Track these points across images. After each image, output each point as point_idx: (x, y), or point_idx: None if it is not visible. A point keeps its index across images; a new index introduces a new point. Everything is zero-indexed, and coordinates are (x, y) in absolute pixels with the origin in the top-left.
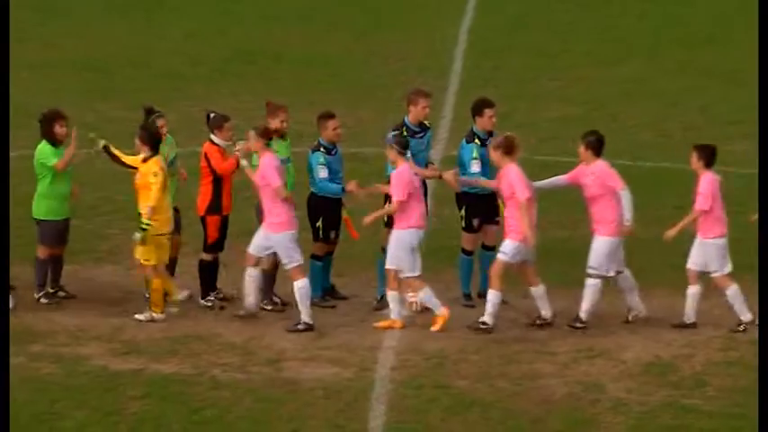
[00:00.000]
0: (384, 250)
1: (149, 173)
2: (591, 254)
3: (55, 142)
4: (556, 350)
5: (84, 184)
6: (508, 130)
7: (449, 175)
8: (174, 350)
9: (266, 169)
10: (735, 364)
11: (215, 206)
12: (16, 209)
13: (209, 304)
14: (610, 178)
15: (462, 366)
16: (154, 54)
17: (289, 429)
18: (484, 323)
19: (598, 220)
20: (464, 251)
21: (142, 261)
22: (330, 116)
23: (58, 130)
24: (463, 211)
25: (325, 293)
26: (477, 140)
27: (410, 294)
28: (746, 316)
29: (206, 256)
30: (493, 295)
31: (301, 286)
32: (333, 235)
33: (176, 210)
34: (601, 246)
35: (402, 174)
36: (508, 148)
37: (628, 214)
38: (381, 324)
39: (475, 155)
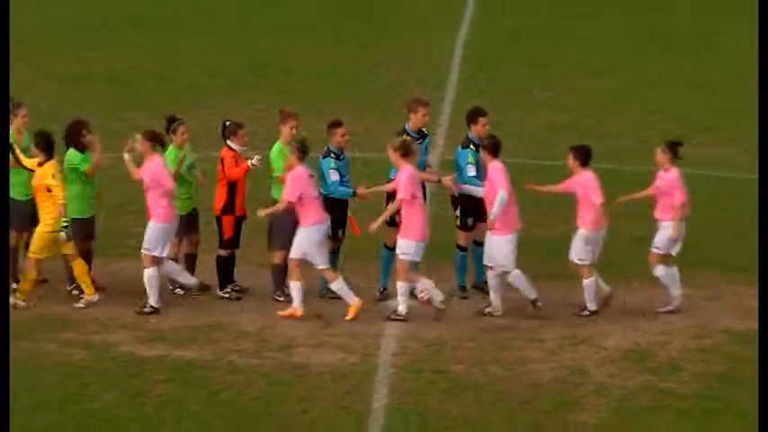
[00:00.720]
0: (387, 247)
1: (47, 175)
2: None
3: (82, 149)
4: (543, 338)
5: (112, 186)
6: (501, 137)
7: (447, 180)
8: (195, 338)
9: (159, 171)
10: (708, 351)
11: (230, 207)
12: None
13: (227, 295)
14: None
15: (458, 353)
16: (175, 67)
17: (299, 410)
18: (397, 314)
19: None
20: (459, 247)
21: (30, 254)
22: (338, 124)
23: (84, 137)
24: (458, 211)
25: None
26: (471, 146)
27: (419, 289)
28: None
29: (222, 252)
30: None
31: (150, 275)
32: (340, 233)
33: (195, 210)
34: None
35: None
36: (405, 151)
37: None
38: (283, 313)
39: (470, 160)
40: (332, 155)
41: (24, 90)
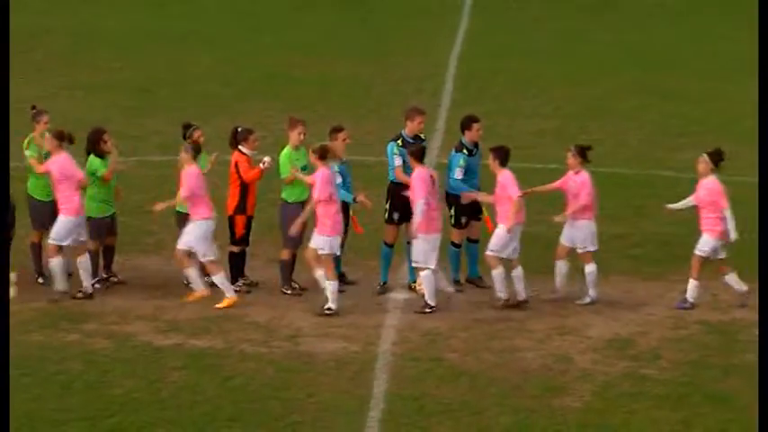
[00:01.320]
0: (386, 243)
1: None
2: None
3: (101, 155)
4: (532, 328)
5: (133, 186)
6: (493, 142)
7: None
8: (208, 328)
9: (67, 165)
10: (684, 340)
11: (242, 207)
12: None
13: (237, 289)
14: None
15: (452, 342)
16: (190, 77)
17: (305, 394)
18: (329, 309)
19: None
20: (453, 244)
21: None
22: (339, 129)
23: (103, 145)
24: (453, 210)
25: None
26: (464, 150)
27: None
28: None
29: (234, 249)
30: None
31: (54, 263)
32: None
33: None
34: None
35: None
36: (321, 154)
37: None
38: (191, 297)
39: (461, 163)
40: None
41: (55, 98)
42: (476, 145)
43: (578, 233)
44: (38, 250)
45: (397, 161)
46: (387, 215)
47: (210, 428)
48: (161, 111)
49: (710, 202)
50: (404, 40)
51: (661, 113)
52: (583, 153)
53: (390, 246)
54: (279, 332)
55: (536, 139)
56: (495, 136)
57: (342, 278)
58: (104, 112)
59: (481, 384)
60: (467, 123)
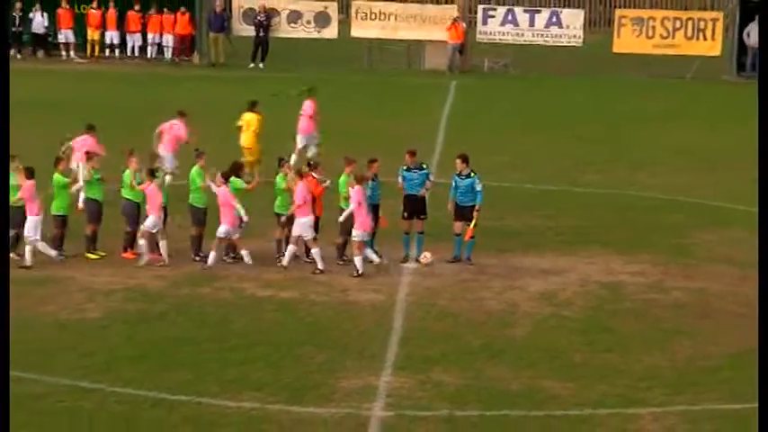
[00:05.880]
0: (405, 233)
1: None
2: None
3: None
4: (492, 286)
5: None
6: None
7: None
8: (290, 285)
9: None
10: (588, 294)
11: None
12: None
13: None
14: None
15: (443, 294)
16: None
17: (351, 326)
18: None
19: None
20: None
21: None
22: (375, 160)
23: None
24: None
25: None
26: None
27: (424, 255)
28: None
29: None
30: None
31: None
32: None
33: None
34: None
35: None
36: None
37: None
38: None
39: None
40: (372, 179)
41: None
42: (459, 174)
43: None
44: (197, 241)
45: (400, 180)
46: (402, 215)
47: (293, 346)
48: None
49: None
50: (405, 102)
51: (583, 152)
52: (466, 160)
53: (406, 233)
54: (334, 287)
55: (498, 169)
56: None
57: (376, 253)
58: None
59: (460, 321)
60: (462, 156)
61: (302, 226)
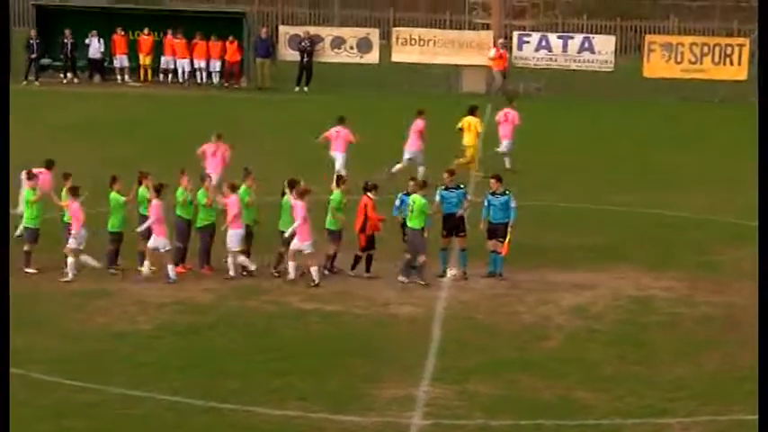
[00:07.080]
0: (443, 249)
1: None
2: None
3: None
4: (526, 300)
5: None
6: None
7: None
8: (334, 299)
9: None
10: (619, 307)
11: (362, 228)
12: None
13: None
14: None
15: (479, 307)
16: None
17: (393, 337)
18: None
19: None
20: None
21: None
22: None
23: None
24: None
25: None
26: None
27: (451, 270)
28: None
29: (359, 254)
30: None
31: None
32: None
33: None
34: None
35: None
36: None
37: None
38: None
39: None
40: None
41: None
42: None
43: None
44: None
45: (437, 200)
46: (441, 232)
47: (336, 357)
48: None
49: None
50: None
51: (561, 181)
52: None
53: (443, 249)
54: (376, 301)
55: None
56: None
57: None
58: None
59: (496, 334)
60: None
61: (233, 237)
